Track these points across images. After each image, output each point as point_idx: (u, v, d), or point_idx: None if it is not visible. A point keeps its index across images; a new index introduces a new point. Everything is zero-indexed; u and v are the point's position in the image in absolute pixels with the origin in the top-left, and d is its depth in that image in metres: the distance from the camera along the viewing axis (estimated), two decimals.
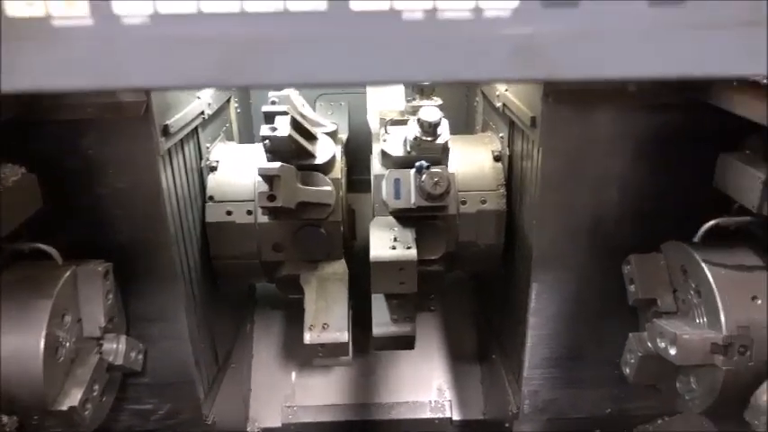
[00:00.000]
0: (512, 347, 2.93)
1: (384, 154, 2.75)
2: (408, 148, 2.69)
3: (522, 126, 2.50)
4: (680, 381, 2.11)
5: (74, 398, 1.96)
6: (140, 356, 2.39)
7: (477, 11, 0.73)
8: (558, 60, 0.70)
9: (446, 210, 2.72)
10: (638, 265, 2.22)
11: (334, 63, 0.71)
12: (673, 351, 1.94)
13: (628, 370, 2.26)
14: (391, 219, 2.71)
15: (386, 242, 2.55)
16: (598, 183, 2.34)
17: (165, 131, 2.22)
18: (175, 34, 0.70)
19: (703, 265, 1.97)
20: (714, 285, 1.92)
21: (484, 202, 2.82)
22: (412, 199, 2.61)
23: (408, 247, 2.53)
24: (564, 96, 2.16)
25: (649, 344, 2.15)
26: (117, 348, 2.23)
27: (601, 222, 2.40)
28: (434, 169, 2.59)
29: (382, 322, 2.69)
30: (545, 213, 2.38)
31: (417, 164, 2.58)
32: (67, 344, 2.04)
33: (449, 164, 2.75)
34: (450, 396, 3.55)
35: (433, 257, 2.73)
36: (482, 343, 3.67)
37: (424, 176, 2.57)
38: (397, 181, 2.66)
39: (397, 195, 2.65)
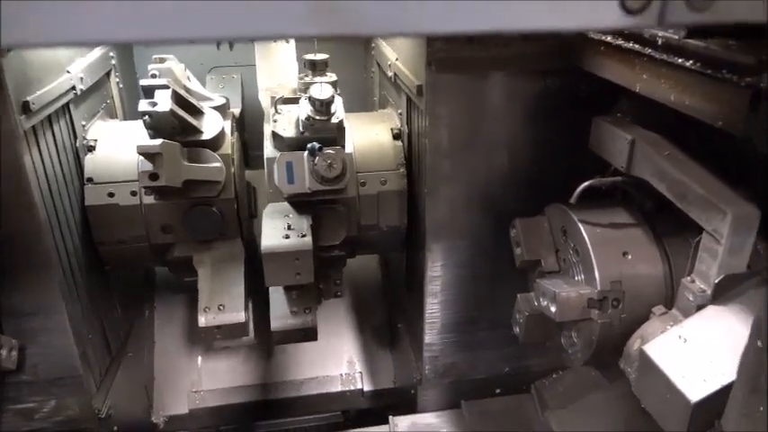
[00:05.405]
0: (413, 316, 2.97)
1: (275, 135, 2.57)
2: (301, 129, 2.50)
3: (411, 95, 2.48)
4: (563, 336, 2.21)
5: None
6: (14, 353, 2.23)
7: None
8: (360, 15, 0.67)
9: (344, 193, 2.57)
10: (523, 228, 2.28)
11: (124, 20, 0.65)
12: (553, 308, 2.01)
13: (517, 329, 2.34)
14: (286, 205, 2.54)
15: (279, 231, 2.41)
16: (484, 149, 2.38)
17: (26, 108, 2.04)
18: None
19: (579, 224, 2.05)
20: (589, 243, 2.00)
21: (384, 182, 2.71)
22: (306, 183, 2.46)
23: (303, 236, 2.39)
24: (446, 64, 2.16)
25: (536, 303, 2.23)
26: None
27: (489, 188, 2.45)
28: (328, 150, 2.44)
29: (280, 315, 2.54)
30: (435, 182, 2.40)
31: (309, 145, 2.42)
32: None
33: (345, 144, 2.60)
34: (361, 368, 3.57)
35: (333, 243, 2.61)
36: (390, 313, 3.70)
37: (317, 159, 2.42)
38: (289, 164, 2.47)
39: (291, 180, 2.47)
